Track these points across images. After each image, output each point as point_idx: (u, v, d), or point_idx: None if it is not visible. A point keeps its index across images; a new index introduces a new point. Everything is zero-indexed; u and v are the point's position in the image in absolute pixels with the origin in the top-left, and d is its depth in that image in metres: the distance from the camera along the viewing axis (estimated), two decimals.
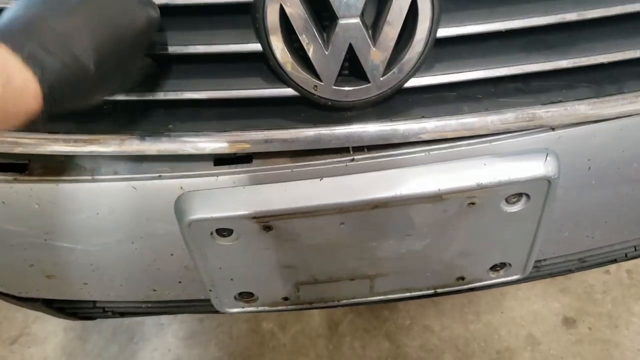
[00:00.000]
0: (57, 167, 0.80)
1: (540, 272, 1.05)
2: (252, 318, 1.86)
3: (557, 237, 0.93)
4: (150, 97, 0.74)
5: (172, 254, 0.86)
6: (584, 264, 1.07)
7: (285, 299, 0.93)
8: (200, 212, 0.76)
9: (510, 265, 0.93)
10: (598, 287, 1.87)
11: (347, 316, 1.85)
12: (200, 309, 1.09)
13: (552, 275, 1.12)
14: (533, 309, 1.84)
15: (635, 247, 1.04)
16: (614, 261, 1.12)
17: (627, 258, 1.09)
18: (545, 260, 1.01)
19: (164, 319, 1.88)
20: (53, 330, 1.90)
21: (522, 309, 1.84)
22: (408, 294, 0.95)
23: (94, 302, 1.03)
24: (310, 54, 0.69)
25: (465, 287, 0.95)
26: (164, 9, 0.67)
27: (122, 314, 1.12)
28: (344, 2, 0.65)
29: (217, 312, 1.10)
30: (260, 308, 0.94)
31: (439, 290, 0.95)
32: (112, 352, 1.83)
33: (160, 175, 0.78)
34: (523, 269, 0.93)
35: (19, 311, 1.94)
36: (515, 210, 0.82)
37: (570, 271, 1.11)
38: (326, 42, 0.68)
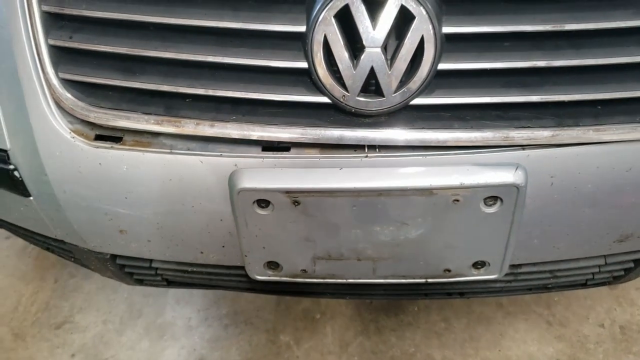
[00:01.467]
0: (145, 141, 1.03)
1: (518, 280, 1.23)
2: (271, 329, 2.04)
3: (527, 244, 1.10)
4: (221, 94, 0.97)
5: (221, 220, 1.06)
6: (557, 280, 1.24)
7: (304, 271, 1.13)
8: (247, 183, 0.98)
9: (489, 264, 1.11)
10: (592, 338, 2.00)
11: (358, 338, 2.01)
12: (234, 283, 1.29)
13: (530, 289, 1.30)
14: (529, 351, 1.98)
15: (599, 268, 1.21)
16: (584, 284, 1.29)
17: (594, 280, 1.26)
18: (520, 266, 1.19)
19: (193, 321, 2.08)
20: (94, 321, 2.11)
21: (519, 350, 1.98)
22: (404, 280, 1.15)
23: (151, 261, 1.23)
24: (341, 71, 0.91)
25: (452, 279, 1.14)
26: (238, 31, 0.94)
27: (169, 282, 1.34)
28: (371, 36, 0.87)
29: (246, 289, 1.32)
30: (283, 278, 1.15)
31: (430, 280, 1.14)
32: (144, 346, 2.03)
33: (221, 154, 1.00)
34: (500, 269, 1.12)
35: (67, 301, 2.17)
36: (492, 211, 1.00)
37: (546, 288, 1.29)
38: (355, 63, 0.90)
